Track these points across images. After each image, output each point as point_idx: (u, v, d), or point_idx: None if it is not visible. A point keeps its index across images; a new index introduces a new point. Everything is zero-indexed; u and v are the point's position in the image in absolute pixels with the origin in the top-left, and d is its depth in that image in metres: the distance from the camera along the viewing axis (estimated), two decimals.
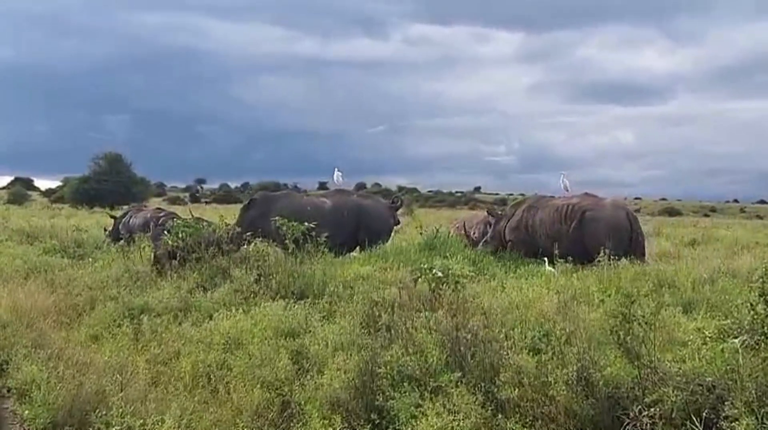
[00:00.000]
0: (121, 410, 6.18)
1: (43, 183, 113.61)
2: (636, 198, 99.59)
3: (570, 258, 12.09)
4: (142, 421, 5.96)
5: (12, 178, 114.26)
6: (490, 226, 15.29)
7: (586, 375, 5.90)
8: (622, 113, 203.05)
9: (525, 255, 13.65)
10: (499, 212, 15.60)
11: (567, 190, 15.87)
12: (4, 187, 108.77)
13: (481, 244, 14.84)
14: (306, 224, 12.24)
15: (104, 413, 6.22)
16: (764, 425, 4.83)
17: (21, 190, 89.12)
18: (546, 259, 12.55)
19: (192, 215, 15.46)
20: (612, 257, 11.11)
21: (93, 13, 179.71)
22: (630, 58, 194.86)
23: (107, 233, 20.45)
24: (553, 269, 11.87)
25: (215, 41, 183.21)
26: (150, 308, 9.81)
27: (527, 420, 5.75)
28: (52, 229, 22.47)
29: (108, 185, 60.73)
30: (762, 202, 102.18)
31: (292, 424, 6.26)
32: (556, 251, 12.46)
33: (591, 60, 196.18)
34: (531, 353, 6.61)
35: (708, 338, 5.92)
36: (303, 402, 6.42)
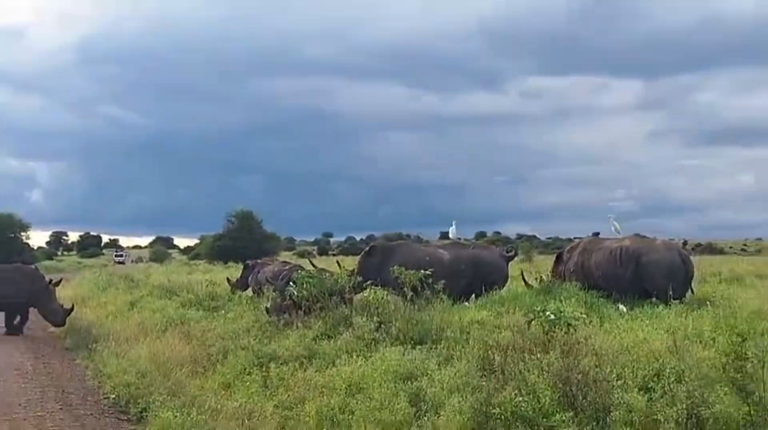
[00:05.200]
0: None
1: (182, 241, 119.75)
2: (757, 239, 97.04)
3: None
4: None
5: (153, 237, 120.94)
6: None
7: (696, 412, 5.93)
8: (743, 156, 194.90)
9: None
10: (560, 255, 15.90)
11: (618, 233, 16.29)
12: (146, 247, 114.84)
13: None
14: (423, 271, 12.56)
15: None
16: None
17: (161, 249, 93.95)
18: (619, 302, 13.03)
19: (315, 266, 16.00)
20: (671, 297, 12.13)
21: (227, 81, 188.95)
22: (752, 100, 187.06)
23: (232, 283, 21.37)
24: (624, 308, 12.35)
25: (341, 102, 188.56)
26: (278, 356, 10.26)
27: None
28: (189, 284, 23.46)
29: (241, 241, 62.92)
30: None
31: None
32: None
33: (712, 104, 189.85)
34: (641, 392, 6.67)
35: None
36: None
